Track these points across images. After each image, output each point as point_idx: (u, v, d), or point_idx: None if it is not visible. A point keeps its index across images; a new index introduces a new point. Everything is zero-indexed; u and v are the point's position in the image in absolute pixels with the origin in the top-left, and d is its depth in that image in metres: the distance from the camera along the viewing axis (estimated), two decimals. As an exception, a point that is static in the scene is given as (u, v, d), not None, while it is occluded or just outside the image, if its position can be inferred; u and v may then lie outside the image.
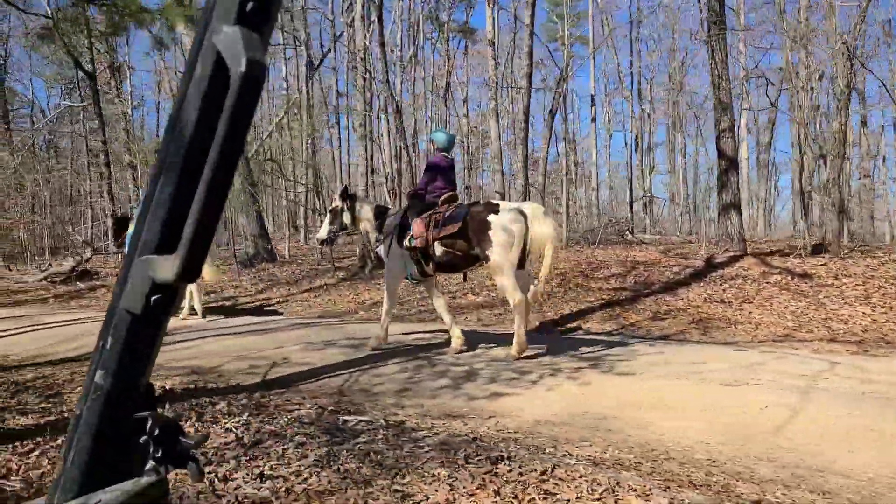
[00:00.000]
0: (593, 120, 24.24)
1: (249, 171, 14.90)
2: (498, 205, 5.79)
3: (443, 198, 6.10)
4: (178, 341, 6.78)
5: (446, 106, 30.44)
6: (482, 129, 36.78)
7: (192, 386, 4.76)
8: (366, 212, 6.55)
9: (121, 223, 11.54)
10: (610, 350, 6.00)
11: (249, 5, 0.51)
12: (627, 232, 17.77)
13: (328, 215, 6.71)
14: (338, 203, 6.63)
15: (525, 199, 15.20)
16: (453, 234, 5.77)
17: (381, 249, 6.39)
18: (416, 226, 6.00)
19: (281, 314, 9.84)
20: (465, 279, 7.16)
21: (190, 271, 0.53)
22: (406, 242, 6.03)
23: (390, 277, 6.28)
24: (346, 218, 6.57)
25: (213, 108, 0.53)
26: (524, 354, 5.68)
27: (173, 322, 8.33)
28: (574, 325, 7.85)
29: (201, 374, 5.31)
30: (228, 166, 0.53)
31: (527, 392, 4.63)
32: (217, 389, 4.71)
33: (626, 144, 24.51)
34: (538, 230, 5.57)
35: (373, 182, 14.94)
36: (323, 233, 6.69)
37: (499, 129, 15.53)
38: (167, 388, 4.61)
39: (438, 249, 5.90)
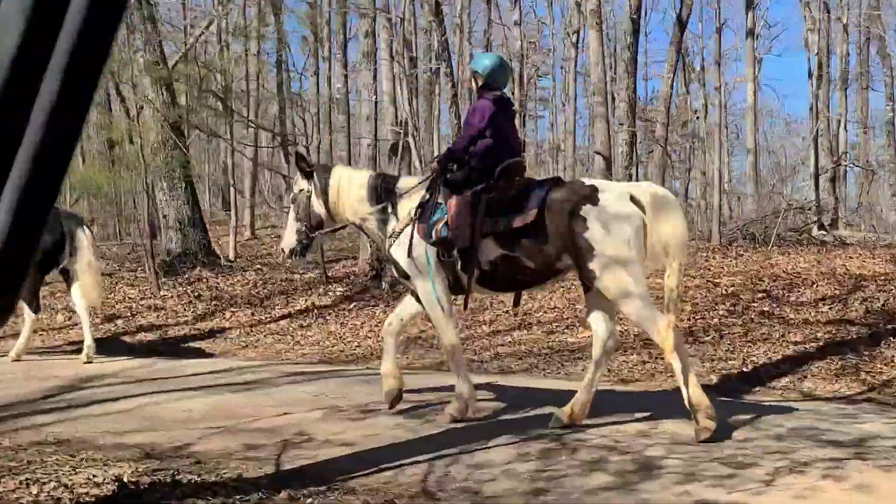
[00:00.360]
0: (749, 34, 24.07)
1: (173, 106, 14.89)
2: (596, 186, 5.81)
3: (501, 166, 6.05)
4: (107, 400, 6.73)
5: (489, 4, 30.47)
6: (545, 46, 36.81)
7: (159, 479, 4.69)
8: (354, 190, 6.38)
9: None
10: (872, 428, 5.87)
11: None
12: (814, 226, 17.64)
13: (291, 208, 6.62)
14: (302, 185, 6.48)
15: (631, 166, 15.04)
16: (522, 228, 5.73)
17: (396, 250, 6.23)
18: (455, 208, 5.88)
19: (212, 355, 9.85)
20: (516, 304, 6.91)
21: None
22: (434, 234, 5.93)
23: (427, 293, 6.10)
24: (319, 207, 6.42)
25: (45, 28, 0.58)
26: (710, 431, 5.49)
27: (76, 369, 8.35)
28: (781, 382, 7.74)
29: (165, 458, 5.29)
30: (70, 119, 0.57)
31: (759, 500, 4.45)
32: (205, 485, 4.66)
33: (809, 75, 24.04)
34: (663, 228, 5.63)
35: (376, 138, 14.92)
36: (290, 239, 6.54)
37: (602, 41, 15.38)
38: (123, 480, 4.51)
39: (491, 250, 5.83)
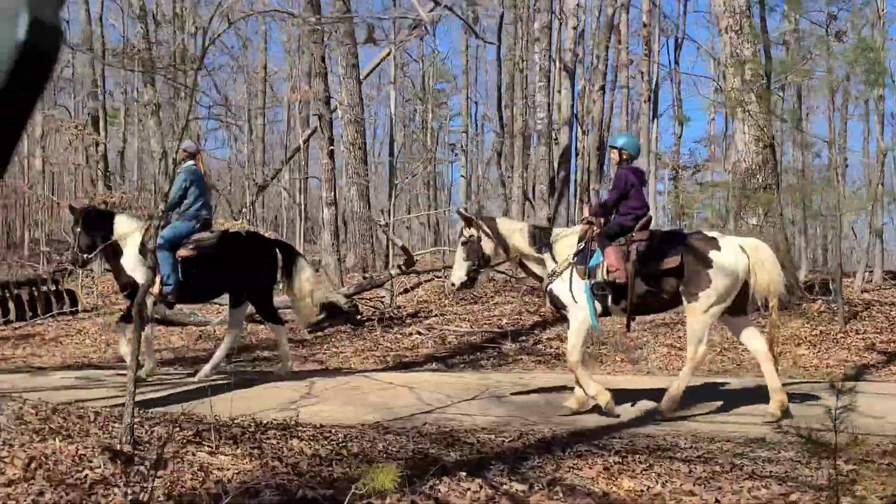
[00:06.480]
0: None
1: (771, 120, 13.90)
2: (716, 239, 7.63)
3: (641, 222, 7.76)
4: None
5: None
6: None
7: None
8: (517, 237, 8.00)
9: (92, 220, 9.87)
10: None
11: None
12: None
13: (460, 248, 8.10)
14: (471, 231, 7.99)
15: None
16: (669, 270, 7.51)
17: (558, 285, 7.77)
18: (612, 255, 7.55)
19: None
20: (628, 328, 8.35)
21: None
22: (601, 275, 7.57)
23: (581, 322, 7.69)
24: (488, 248, 7.99)
25: None
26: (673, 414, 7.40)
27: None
28: None
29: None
30: None
31: None
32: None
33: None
34: (762, 277, 7.44)
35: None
36: (459, 273, 8.04)
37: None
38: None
39: (640, 287, 7.57)
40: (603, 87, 23.34)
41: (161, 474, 5.04)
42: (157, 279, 9.15)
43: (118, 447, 5.40)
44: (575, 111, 22.86)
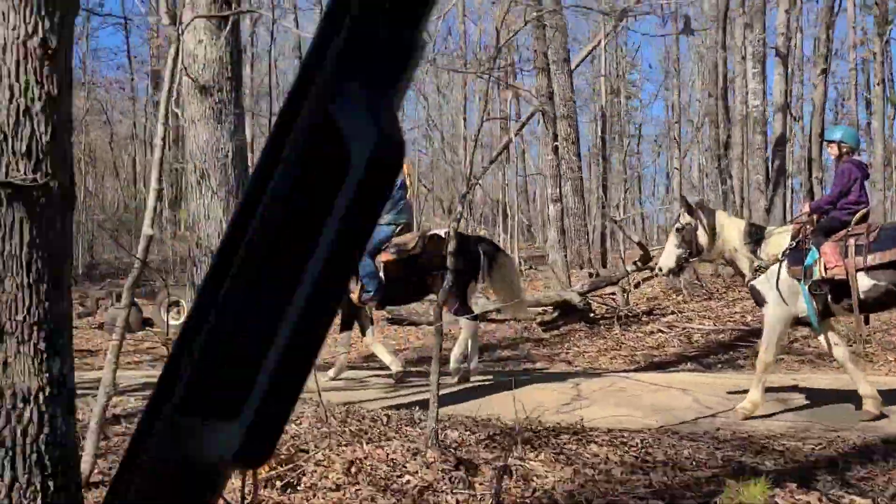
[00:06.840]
0: None
1: None
2: None
3: (857, 215, 7.40)
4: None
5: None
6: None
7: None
8: (731, 231, 7.83)
9: None
10: None
11: (384, 53, 0.55)
12: None
13: (674, 235, 8.05)
14: (687, 219, 7.92)
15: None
16: (892, 261, 7.03)
17: (760, 282, 7.57)
18: (828, 251, 7.19)
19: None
20: (867, 322, 7.81)
21: (259, 449, 0.55)
22: (818, 272, 7.22)
23: (776, 319, 7.53)
24: (703, 239, 7.83)
25: (315, 199, 0.56)
26: None
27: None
28: None
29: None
30: (337, 285, 0.57)
31: None
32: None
33: None
34: None
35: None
36: (669, 259, 8.03)
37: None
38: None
39: (865, 282, 7.09)
40: (825, 71, 22.28)
41: (482, 481, 5.07)
42: (358, 285, 9.21)
43: (427, 451, 5.45)
44: (787, 98, 21.94)
